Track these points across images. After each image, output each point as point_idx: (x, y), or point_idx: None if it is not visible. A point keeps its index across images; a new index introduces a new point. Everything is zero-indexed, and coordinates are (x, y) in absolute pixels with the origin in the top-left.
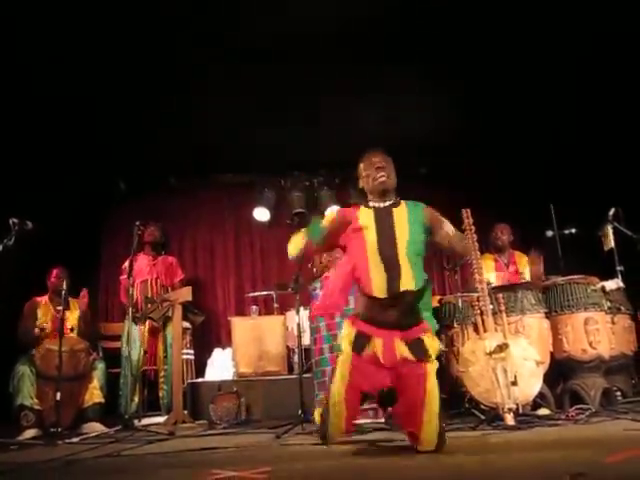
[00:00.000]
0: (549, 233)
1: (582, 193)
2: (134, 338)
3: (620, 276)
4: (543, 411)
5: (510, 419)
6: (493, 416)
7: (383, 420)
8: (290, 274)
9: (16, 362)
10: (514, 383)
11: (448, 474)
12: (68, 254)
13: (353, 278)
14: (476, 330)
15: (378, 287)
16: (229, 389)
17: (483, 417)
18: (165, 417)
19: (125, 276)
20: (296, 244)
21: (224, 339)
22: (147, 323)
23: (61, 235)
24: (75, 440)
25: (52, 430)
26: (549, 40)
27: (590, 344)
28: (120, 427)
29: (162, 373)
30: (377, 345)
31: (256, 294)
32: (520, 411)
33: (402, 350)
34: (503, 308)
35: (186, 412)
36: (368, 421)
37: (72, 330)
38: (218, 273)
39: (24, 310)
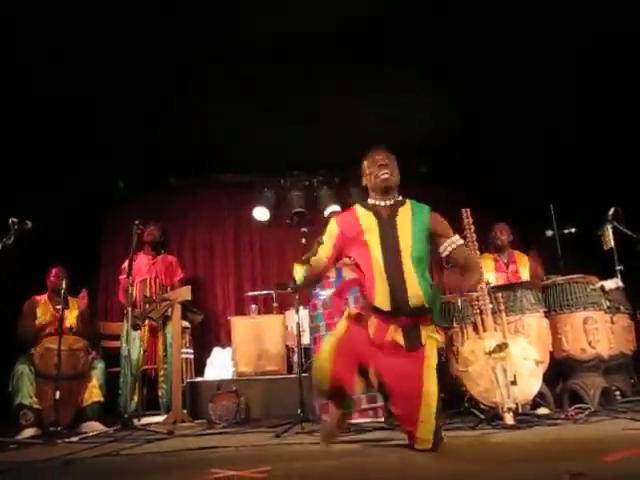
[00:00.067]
0: (549, 233)
1: (582, 193)
2: (133, 337)
3: (619, 276)
4: (542, 410)
5: (509, 418)
6: (492, 415)
7: (382, 419)
8: (289, 273)
9: (15, 361)
10: (513, 382)
11: (448, 473)
12: (68, 253)
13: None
14: (475, 329)
15: (381, 301)
16: (228, 388)
17: (483, 416)
18: (164, 416)
19: (124, 276)
20: (300, 272)
21: (223, 338)
22: (146, 322)
23: (61, 234)
24: (74, 439)
25: (51, 429)
26: (549, 40)
27: (589, 343)
28: (119, 426)
29: (161, 372)
30: (371, 323)
31: (255, 293)
32: (519, 410)
33: (393, 334)
34: (502, 307)
35: (185, 411)
36: (368, 420)
37: (71, 329)
38: (218, 272)
39: (23, 309)
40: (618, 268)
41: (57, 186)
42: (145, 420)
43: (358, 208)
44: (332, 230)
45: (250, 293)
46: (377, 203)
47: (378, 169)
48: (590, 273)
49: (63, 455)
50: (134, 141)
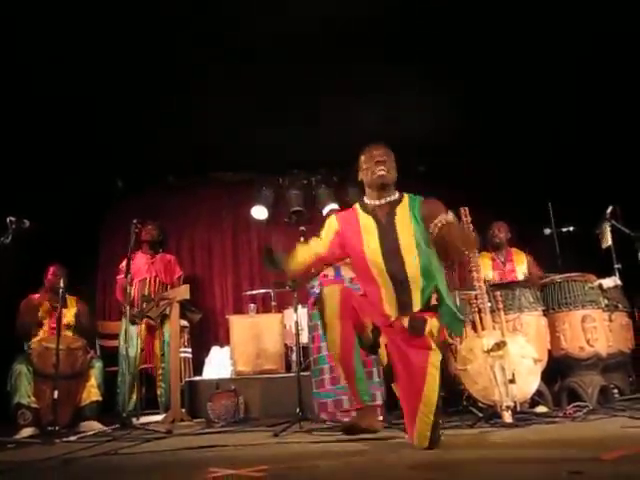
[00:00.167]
0: (547, 231)
1: (580, 191)
2: (131, 336)
3: (618, 274)
4: (541, 409)
5: (508, 417)
6: (491, 414)
7: (382, 418)
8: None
9: (13, 361)
10: (512, 381)
11: (447, 472)
12: (67, 252)
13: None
14: (474, 328)
15: (389, 309)
16: (227, 387)
17: (481, 415)
18: (163, 415)
19: (122, 275)
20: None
21: (222, 337)
22: (144, 321)
23: (60, 234)
24: (72, 438)
25: (49, 429)
26: (548, 40)
27: (587, 342)
28: (118, 425)
29: (160, 371)
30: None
31: (254, 292)
32: (518, 409)
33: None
34: (501, 306)
35: (184, 410)
36: None
37: (69, 327)
38: (216, 271)
39: (20, 307)
40: (616, 266)
41: (56, 185)
42: (144, 419)
43: (358, 208)
44: (332, 226)
45: (248, 292)
46: (374, 203)
47: (375, 165)
48: (588, 271)
49: (61, 454)
50: (133, 140)
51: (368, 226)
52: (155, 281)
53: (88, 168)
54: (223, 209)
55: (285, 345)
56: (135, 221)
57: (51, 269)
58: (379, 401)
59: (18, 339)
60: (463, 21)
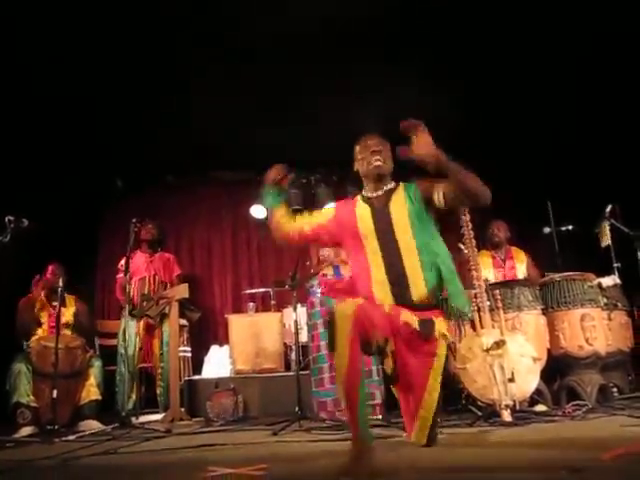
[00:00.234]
0: (546, 230)
1: (579, 190)
2: (129, 335)
3: (617, 273)
4: (540, 407)
5: (507, 415)
6: (490, 412)
7: (380, 417)
8: (287, 271)
9: (12, 360)
10: (511, 380)
11: (446, 471)
12: (66, 252)
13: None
14: (473, 327)
15: (382, 297)
16: (226, 386)
17: (480, 413)
18: (162, 414)
19: (121, 275)
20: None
21: (221, 336)
22: (143, 320)
23: (59, 233)
24: (72, 437)
25: (48, 428)
26: (548, 39)
27: (587, 340)
28: (117, 424)
29: (159, 370)
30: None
31: (253, 291)
32: (517, 407)
33: (408, 317)
34: (500, 305)
35: (183, 409)
36: None
37: (67, 326)
38: (215, 270)
39: (19, 306)
40: (615, 265)
41: (55, 184)
42: (143, 418)
43: (359, 199)
44: (328, 212)
45: (248, 291)
46: (371, 195)
47: (370, 155)
48: (587, 270)
49: (60, 453)
50: (133, 140)
51: (364, 211)
52: (154, 280)
53: (87, 167)
54: (222, 208)
55: (284, 344)
56: (134, 220)
57: (50, 268)
58: (378, 400)
59: (18, 338)
60: (463, 21)
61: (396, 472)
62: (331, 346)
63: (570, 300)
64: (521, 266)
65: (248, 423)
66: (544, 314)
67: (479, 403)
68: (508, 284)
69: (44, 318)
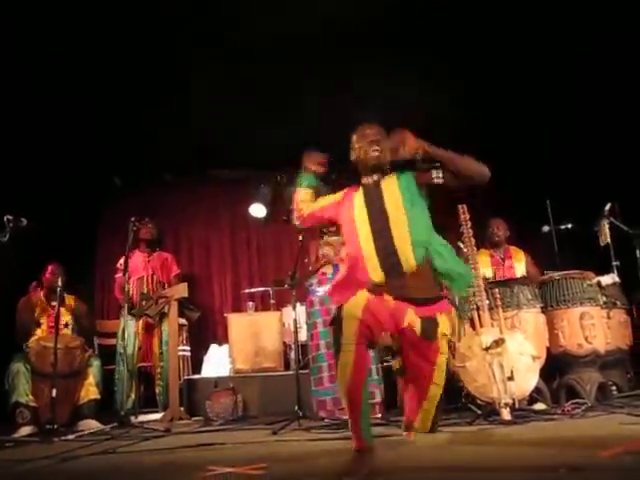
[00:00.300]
0: (545, 228)
1: (578, 189)
2: (128, 334)
3: (616, 271)
4: (539, 406)
5: (506, 414)
6: (490, 411)
7: (380, 416)
8: (286, 270)
9: (11, 360)
10: (510, 378)
11: (445, 470)
12: (64, 251)
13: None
14: (472, 325)
15: (373, 272)
16: (225, 385)
17: (480, 412)
18: (161, 414)
19: (120, 274)
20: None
21: (220, 335)
22: (142, 319)
23: (58, 232)
24: (71, 437)
25: (48, 427)
26: (548, 39)
27: (586, 339)
28: (116, 424)
29: (158, 370)
30: (388, 298)
31: (252, 290)
32: (516, 406)
33: (412, 318)
34: (499, 303)
35: (182, 409)
36: None
37: (67, 326)
38: (214, 269)
39: (18, 306)
40: (614, 264)
41: (54, 183)
42: (142, 417)
43: (359, 188)
44: (336, 196)
45: (247, 290)
46: (366, 181)
47: (368, 145)
48: (587, 269)
49: (60, 453)
50: (132, 140)
51: (359, 194)
52: (152, 279)
53: (86, 166)
54: (221, 207)
55: (284, 343)
56: (133, 219)
57: (49, 268)
58: (378, 399)
59: (17, 339)
60: (463, 21)
61: (396, 471)
62: (337, 345)
63: (569, 298)
64: (519, 265)
65: (247, 422)
66: (543, 312)
67: (478, 401)
68: (507, 283)
69: (43, 318)
